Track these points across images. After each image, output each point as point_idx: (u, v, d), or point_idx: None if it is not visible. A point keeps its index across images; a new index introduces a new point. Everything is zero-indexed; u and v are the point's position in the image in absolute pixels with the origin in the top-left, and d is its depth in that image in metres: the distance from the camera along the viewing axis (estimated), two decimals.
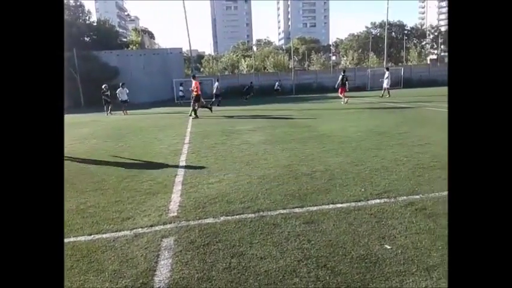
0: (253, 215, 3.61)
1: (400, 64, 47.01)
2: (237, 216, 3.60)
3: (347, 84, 17.88)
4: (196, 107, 14.54)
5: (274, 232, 3.20)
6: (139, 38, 45.51)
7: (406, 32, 72.81)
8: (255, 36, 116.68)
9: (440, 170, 4.91)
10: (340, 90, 17.95)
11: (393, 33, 68.24)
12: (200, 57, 68.33)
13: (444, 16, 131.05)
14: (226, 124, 11.91)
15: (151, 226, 3.48)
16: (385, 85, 20.81)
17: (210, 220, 3.55)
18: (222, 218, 3.57)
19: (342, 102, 17.53)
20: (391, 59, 55.86)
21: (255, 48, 69.63)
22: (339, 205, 3.78)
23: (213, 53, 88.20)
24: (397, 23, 73.06)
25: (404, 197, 3.93)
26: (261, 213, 3.66)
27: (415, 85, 32.28)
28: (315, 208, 3.73)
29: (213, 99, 20.43)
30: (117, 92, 19.42)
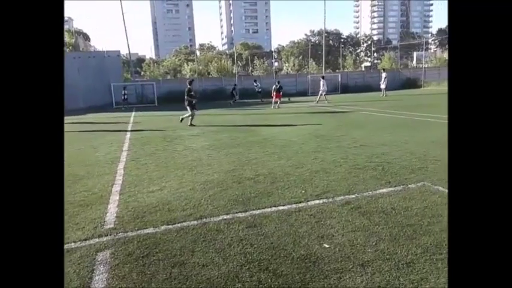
0: (195, 222, 3.55)
1: (337, 70, 49.58)
2: (179, 225, 3.51)
3: (280, 91, 20.43)
4: None
5: (217, 238, 3.17)
6: (73, 40, 42.75)
7: (342, 40, 77.17)
8: (198, 41, 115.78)
9: (372, 170, 5.24)
10: (275, 95, 20.12)
11: (331, 41, 71.88)
12: (140, 60, 66.10)
13: (376, 26, 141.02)
14: (168, 130, 11.60)
15: (85, 240, 3.26)
16: (321, 91, 22.38)
17: (149, 230, 3.41)
18: (162, 227, 3.46)
19: (277, 106, 19.63)
20: (329, 66, 58.61)
21: (198, 52, 68.82)
22: (281, 207, 3.86)
23: (154, 57, 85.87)
24: (334, 31, 77.21)
25: (342, 197, 4.13)
26: (204, 219, 3.61)
27: (352, 90, 34.22)
28: (257, 212, 3.77)
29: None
30: None
